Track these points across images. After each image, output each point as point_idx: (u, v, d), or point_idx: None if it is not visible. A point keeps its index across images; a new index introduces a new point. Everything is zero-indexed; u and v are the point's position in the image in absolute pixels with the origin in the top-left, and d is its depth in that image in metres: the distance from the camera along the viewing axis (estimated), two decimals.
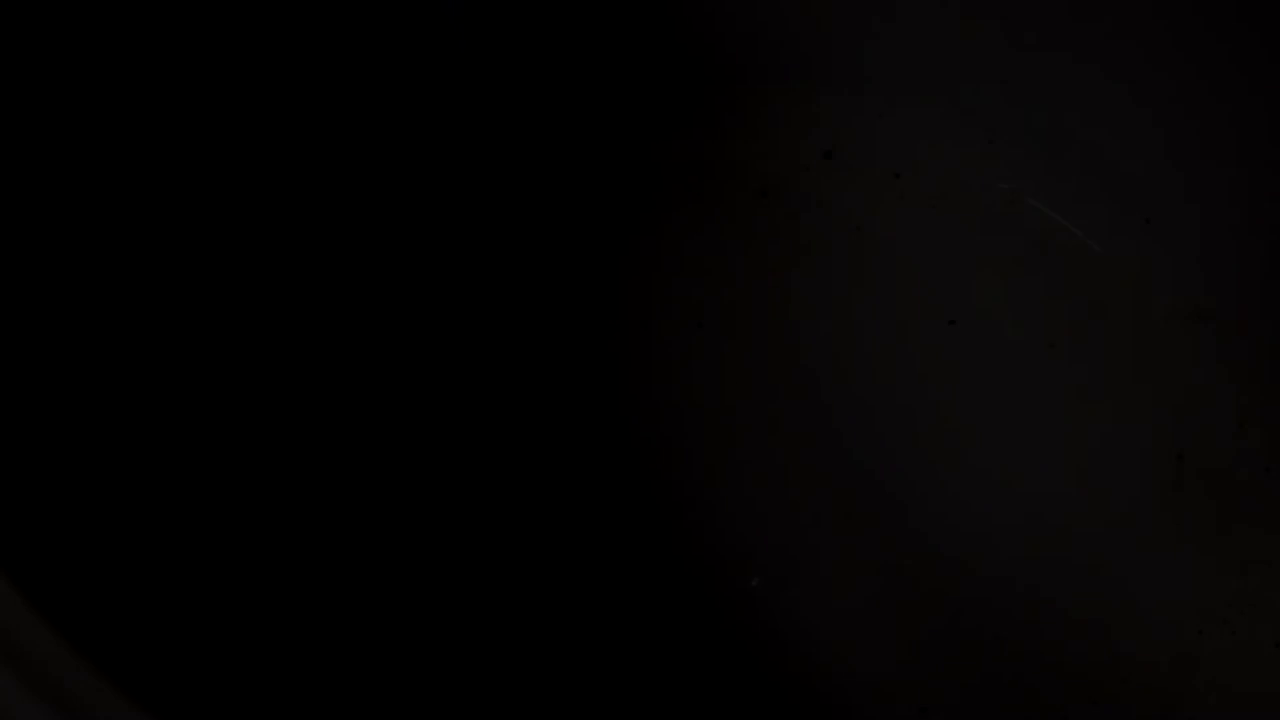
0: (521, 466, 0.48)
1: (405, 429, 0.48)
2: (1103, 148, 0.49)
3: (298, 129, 0.46)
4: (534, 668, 0.44)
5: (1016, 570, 0.46)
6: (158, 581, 0.38)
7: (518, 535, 0.47)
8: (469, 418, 0.48)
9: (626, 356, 0.49)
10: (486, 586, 0.46)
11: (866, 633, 0.46)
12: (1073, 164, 0.50)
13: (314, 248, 0.47)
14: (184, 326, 0.43)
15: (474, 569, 0.46)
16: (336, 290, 0.48)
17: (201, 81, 0.43)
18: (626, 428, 0.48)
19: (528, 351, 0.49)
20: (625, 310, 0.50)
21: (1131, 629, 0.46)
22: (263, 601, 0.43)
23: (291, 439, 0.46)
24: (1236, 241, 0.47)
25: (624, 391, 0.49)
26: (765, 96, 0.51)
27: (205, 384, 0.43)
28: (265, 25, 0.43)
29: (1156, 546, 0.46)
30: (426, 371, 0.49)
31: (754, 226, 0.51)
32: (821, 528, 0.47)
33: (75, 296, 0.39)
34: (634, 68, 0.50)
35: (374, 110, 0.47)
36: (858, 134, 0.51)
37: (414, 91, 0.47)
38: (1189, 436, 0.48)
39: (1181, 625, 0.46)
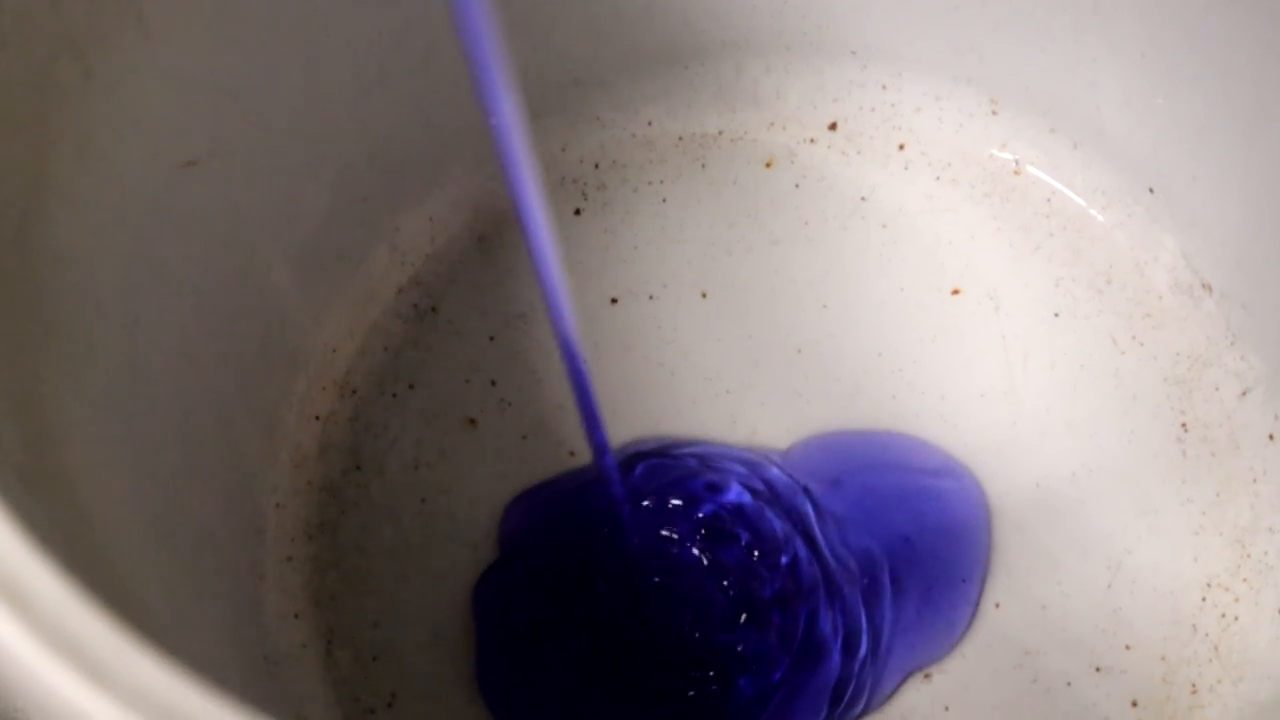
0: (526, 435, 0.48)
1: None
2: (1106, 117, 0.49)
3: None
4: None
5: (1020, 536, 0.46)
6: None
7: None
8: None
9: (633, 326, 0.49)
10: None
11: None
12: (1076, 133, 0.50)
13: None
14: None
15: None
16: None
17: None
18: (633, 397, 0.48)
19: (534, 323, 0.49)
20: (631, 280, 0.50)
21: (1135, 595, 0.46)
22: None
23: None
24: (1240, 210, 0.47)
25: (631, 361, 0.49)
26: (770, 68, 0.51)
27: None
28: None
29: (1160, 514, 0.47)
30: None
31: (759, 197, 0.51)
32: None
33: None
34: (639, 38, 0.50)
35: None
36: (862, 105, 0.52)
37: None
38: (1193, 405, 0.48)
39: (1185, 592, 0.46)
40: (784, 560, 0.45)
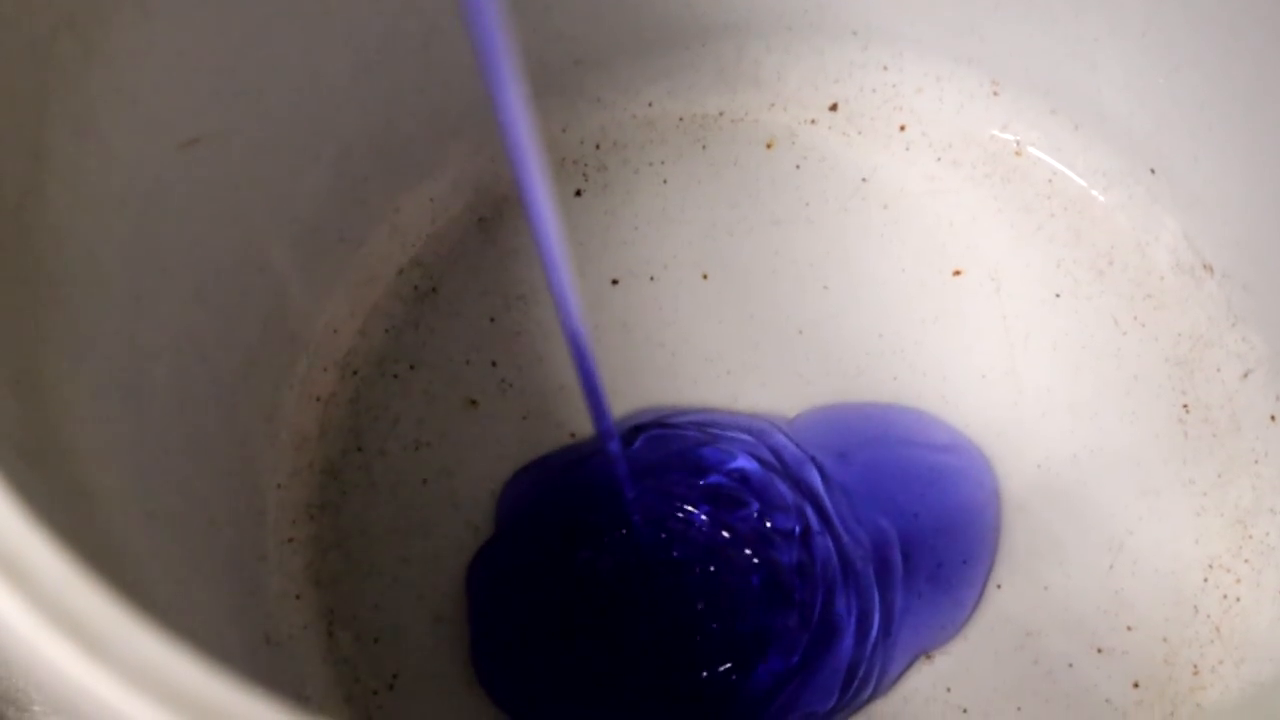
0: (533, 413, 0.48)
1: None
2: (1107, 98, 0.49)
3: None
4: None
5: (1021, 517, 0.46)
6: None
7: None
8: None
9: (634, 307, 0.49)
10: None
11: None
12: (1077, 114, 0.50)
13: None
14: None
15: None
16: None
17: None
18: (634, 378, 0.48)
19: (535, 304, 0.49)
20: (632, 261, 0.50)
21: (1136, 576, 0.46)
22: None
23: None
24: (1241, 191, 0.46)
25: (631, 342, 0.49)
26: (771, 49, 0.51)
27: None
28: None
29: (1162, 495, 0.47)
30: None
31: (760, 178, 0.51)
32: None
33: None
34: (640, 19, 0.50)
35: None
36: (863, 86, 0.51)
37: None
38: (1194, 386, 0.48)
39: (1186, 573, 0.46)
40: (797, 530, 0.44)
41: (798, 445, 0.46)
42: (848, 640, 0.43)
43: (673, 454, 0.45)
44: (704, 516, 0.44)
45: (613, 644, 0.44)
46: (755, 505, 0.44)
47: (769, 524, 0.44)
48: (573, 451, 0.47)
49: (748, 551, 0.44)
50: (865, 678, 0.44)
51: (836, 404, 0.47)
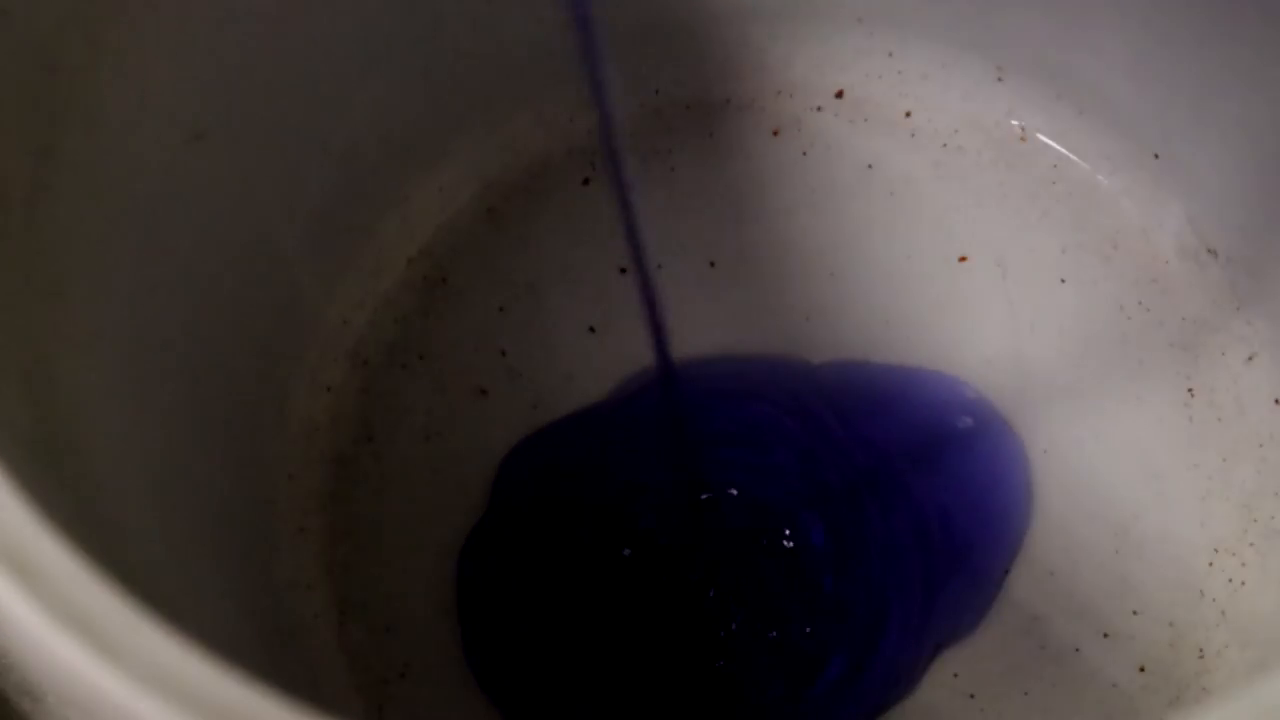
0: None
1: None
2: (1112, 83, 0.49)
3: None
4: None
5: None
6: None
7: None
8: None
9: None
10: None
11: None
12: (1082, 99, 0.50)
13: None
14: None
15: None
16: None
17: None
18: (641, 368, 0.48)
19: (543, 293, 0.49)
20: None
21: (1142, 561, 0.46)
22: None
23: None
24: (1245, 175, 0.46)
25: (638, 330, 0.49)
26: (777, 36, 0.51)
27: None
28: None
29: (1167, 479, 0.47)
30: None
31: (766, 166, 0.51)
32: None
33: None
34: (647, 6, 0.50)
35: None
36: (869, 72, 0.51)
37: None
38: (1199, 370, 0.48)
39: (1192, 557, 0.46)
40: (839, 486, 0.42)
41: (819, 394, 0.45)
42: (894, 625, 0.41)
43: (683, 407, 0.43)
44: (737, 467, 0.42)
45: (630, 635, 0.42)
46: (791, 455, 0.43)
47: (815, 476, 0.42)
48: (573, 418, 0.46)
49: (799, 508, 0.42)
50: (900, 673, 0.42)
51: (861, 360, 0.47)
